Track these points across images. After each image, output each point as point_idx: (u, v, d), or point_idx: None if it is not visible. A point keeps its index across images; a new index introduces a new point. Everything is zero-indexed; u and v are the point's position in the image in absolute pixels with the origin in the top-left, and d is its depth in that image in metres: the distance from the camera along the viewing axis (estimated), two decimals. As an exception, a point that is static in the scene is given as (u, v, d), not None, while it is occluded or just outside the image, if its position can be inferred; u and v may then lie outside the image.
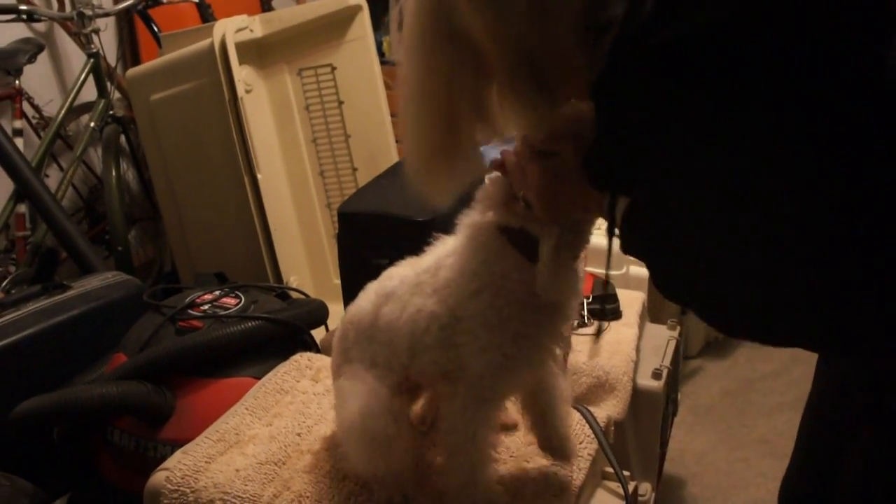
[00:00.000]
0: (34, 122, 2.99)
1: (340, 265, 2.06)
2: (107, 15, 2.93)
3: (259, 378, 1.83)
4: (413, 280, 1.25)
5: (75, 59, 3.17)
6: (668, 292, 0.92)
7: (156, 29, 3.05)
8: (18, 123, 2.82)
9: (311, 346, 2.08)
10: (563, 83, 0.93)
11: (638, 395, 1.85)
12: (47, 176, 2.98)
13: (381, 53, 3.72)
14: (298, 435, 1.46)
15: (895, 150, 0.72)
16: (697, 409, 2.77)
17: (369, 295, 1.33)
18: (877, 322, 0.78)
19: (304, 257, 3.00)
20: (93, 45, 2.90)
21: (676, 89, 0.77)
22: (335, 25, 2.90)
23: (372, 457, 1.25)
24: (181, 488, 1.35)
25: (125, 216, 2.91)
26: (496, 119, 0.98)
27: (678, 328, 2.09)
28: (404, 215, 1.90)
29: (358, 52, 2.93)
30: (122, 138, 3.08)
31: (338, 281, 3.05)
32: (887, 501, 0.92)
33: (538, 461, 1.39)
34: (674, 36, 0.75)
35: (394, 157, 2.99)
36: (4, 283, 2.57)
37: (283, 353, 1.92)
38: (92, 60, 2.92)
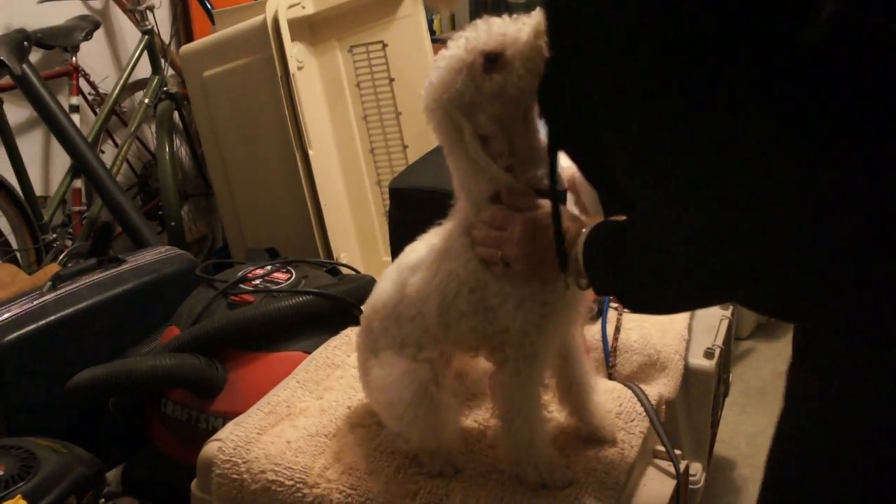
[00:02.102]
0: (90, 98, 3.03)
1: (391, 241, 2.06)
2: (161, -8, 2.96)
3: (309, 352, 1.84)
4: (443, 246, 1.25)
5: (130, 36, 3.20)
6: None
7: (209, 5, 3.07)
8: (75, 100, 2.86)
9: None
10: None
11: (689, 375, 1.83)
12: (102, 152, 3.03)
13: (431, 31, 3.71)
14: (349, 408, 1.47)
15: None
16: (749, 390, 2.73)
17: (390, 274, 1.32)
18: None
19: (354, 234, 3.01)
20: (147, 22, 2.94)
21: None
22: (386, 2, 2.89)
23: (423, 434, 1.25)
24: (233, 458, 1.36)
25: (178, 192, 2.94)
26: None
27: (731, 308, 2.06)
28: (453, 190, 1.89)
29: (409, 29, 2.92)
30: (176, 115, 3.11)
31: (387, 258, 3.05)
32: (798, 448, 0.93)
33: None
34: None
35: (444, 135, 2.98)
36: (62, 257, 2.62)
37: (333, 328, 1.93)
38: (146, 37, 2.95)
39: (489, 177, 1.16)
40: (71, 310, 2.04)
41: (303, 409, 1.48)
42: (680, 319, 1.86)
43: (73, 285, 2.11)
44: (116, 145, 3.11)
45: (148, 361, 1.81)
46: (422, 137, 2.98)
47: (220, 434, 1.43)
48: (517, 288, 1.17)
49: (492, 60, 1.08)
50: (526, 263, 1.16)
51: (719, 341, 1.90)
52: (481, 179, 1.17)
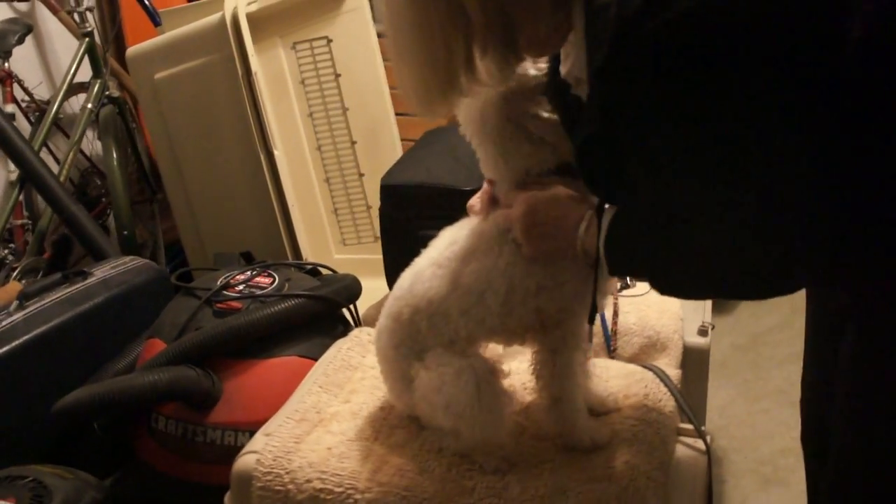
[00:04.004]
0: (24, 105, 2.89)
1: (383, 238, 2.03)
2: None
3: (304, 356, 1.81)
4: (503, 227, 1.26)
5: (58, 38, 3.07)
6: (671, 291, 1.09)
7: (148, 4, 2.93)
8: (10, 108, 2.71)
9: (351, 320, 2.06)
10: (531, 44, 1.04)
11: (686, 352, 1.87)
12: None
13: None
14: (381, 409, 1.45)
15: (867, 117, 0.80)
16: (712, 364, 2.78)
17: (428, 269, 1.31)
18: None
19: (304, 233, 2.97)
20: (87, 24, 2.81)
21: (672, 73, 0.83)
22: (330, -3, 2.85)
23: (485, 428, 1.25)
24: (274, 470, 1.33)
25: (129, 199, 2.83)
26: (480, 70, 1.06)
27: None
28: (451, 185, 1.88)
29: (354, 23, 2.87)
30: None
31: (338, 255, 3.03)
32: (871, 389, 1.00)
33: (624, 421, 1.40)
34: (667, 19, 0.79)
35: (393, 129, 2.96)
36: (15, 274, 2.50)
37: (324, 330, 1.91)
38: (87, 40, 2.82)
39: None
40: (43, 328, 1.95)
41: (333, 414, 1.46)
42: (674, 299, 1.90)
43: (42, 302, 2.03)
44: (51, 152, 2.97)
45: (146, 377, 1.75)
46: (370, 132, 2.95)
47: (254, 446, 1.39)
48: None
49: None
50: (527, 241, 1.21)
51: (708, 318, 1.95)
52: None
